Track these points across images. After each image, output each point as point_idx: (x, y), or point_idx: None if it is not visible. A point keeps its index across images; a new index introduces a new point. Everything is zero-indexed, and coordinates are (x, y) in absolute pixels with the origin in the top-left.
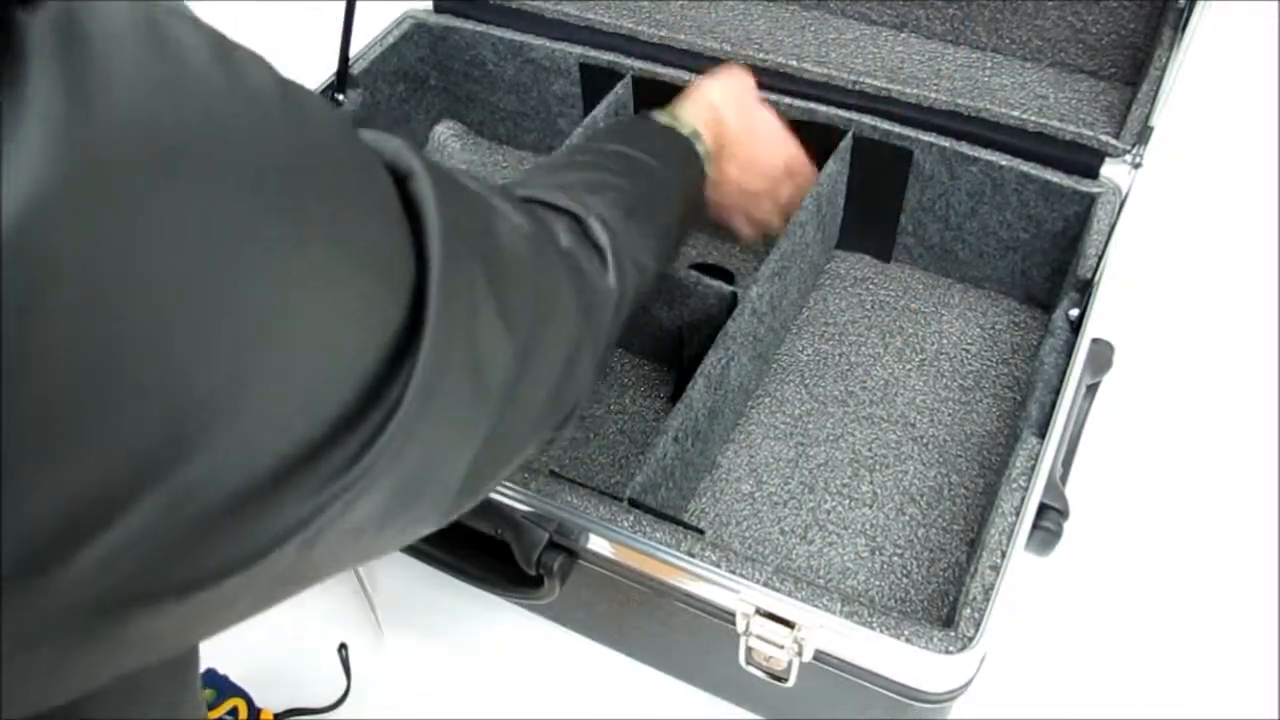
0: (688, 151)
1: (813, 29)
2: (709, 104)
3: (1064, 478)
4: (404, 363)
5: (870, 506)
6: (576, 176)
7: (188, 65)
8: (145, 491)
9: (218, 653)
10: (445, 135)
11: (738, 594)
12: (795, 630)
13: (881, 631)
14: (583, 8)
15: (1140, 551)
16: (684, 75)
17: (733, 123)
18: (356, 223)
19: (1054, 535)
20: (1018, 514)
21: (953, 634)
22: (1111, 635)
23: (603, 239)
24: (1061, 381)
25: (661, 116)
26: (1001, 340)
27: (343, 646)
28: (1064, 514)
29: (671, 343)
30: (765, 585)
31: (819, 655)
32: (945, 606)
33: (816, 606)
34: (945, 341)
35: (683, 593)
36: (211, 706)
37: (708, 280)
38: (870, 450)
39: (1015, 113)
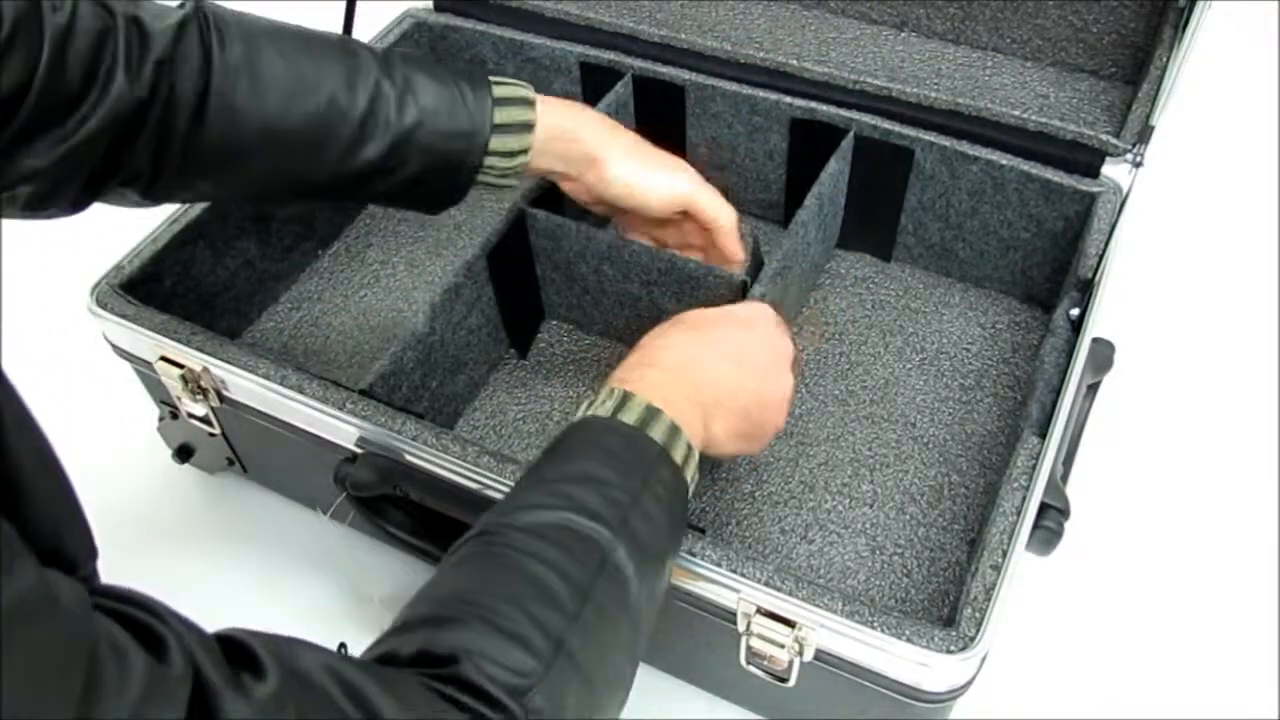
0: (678, 488)
1: (813, 28)
2: (706, 399)
3: (1065, 477)
4: None
5: (871, 506)
6: (493, 624)
7: None
8: None
9: None
10: None
11: (738, 593)
12: (796, 630)
13: (883, 631)
14: (583, 7)
15: (1141, 551)
16: (684, 74)
17: (729, 385)
18: None
19: (1055, 535)
20: (1019, 513)
21: (954, 633)
22: (1112, 635)
23: None
24: (1062, 381)
25: (637, 413)
26: (1002, 339)
27: (342, 646)
28: (1065, 513)
29: None
30: (766, 585)
31: (820, 655)
32: (946, 606)
33: (818, 606)
34: (946, 341)
35: (683, 592)
36: None
37: (718, 270)
38: (871, 450)
39: (1016, 112)
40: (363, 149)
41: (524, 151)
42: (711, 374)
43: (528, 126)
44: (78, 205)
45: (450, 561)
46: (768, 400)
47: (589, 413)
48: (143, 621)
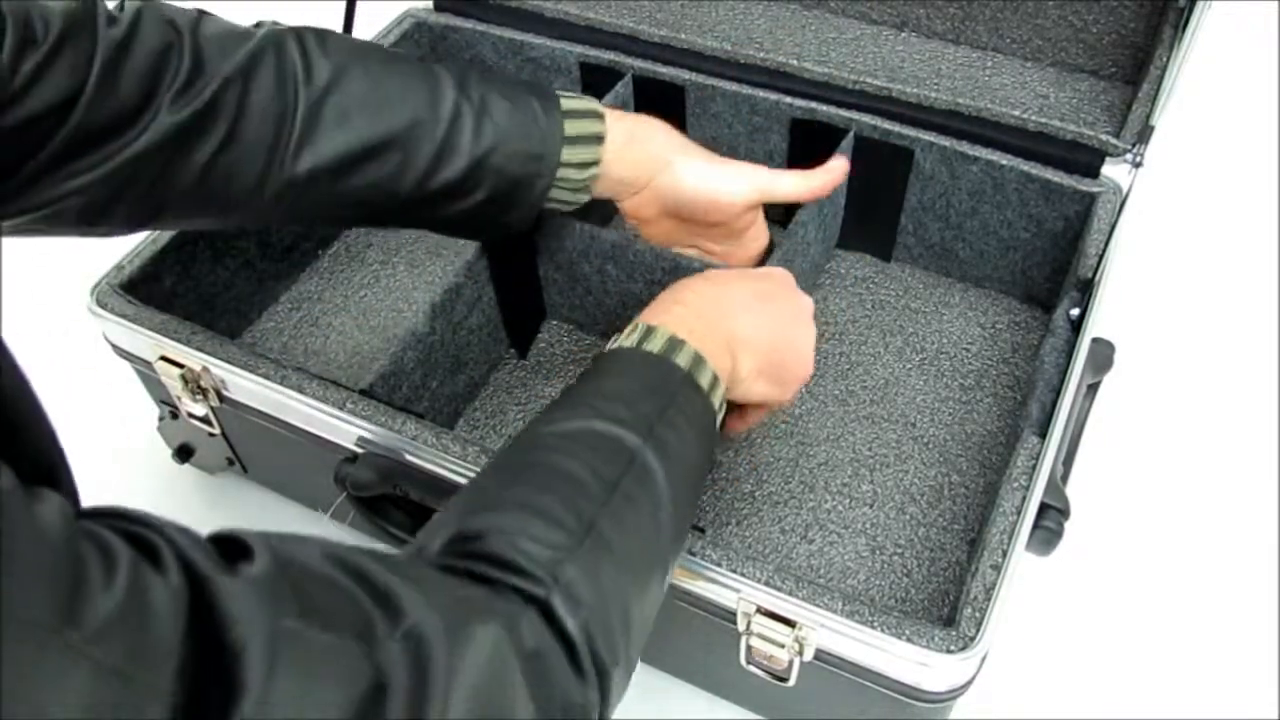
0: (704, 409)
1: (813, 28)
2: (735, 338)
3: (1065, 477)
4: None
5: (871, 506)
6: (528, 506)
7: None
8: None
9: None
10: None
11: (738, 593)
12: (796, 629)
13: (883, 631)
14: (583, 7)
15: (1141, 551)
16: (684, 74)
17: (766, 351)
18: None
19: (1055, 535)
20: (1019, 513)
21: (954, 633)
22: (1112, 635)
23: (572, 627)
24: (1062, 381)
25: (661, 342)
26: (1002, 339)
27: None
28: (1065, 513)
29: None
30: (766, 584)
31: (820, 654)
32: (946, 606)
33: (818, 606)
34: (946, 341)
35: (683, 592)
36: None
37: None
38: (871, 450)
39: (1016, 112)
40: (441, 171)
41: (595, 163)
42: (736, 312)
43: (598, 138)
44: (133, 225)
45: (480, 472)
46: (793, 343)
47: (613, 346)
48: (134, 532)
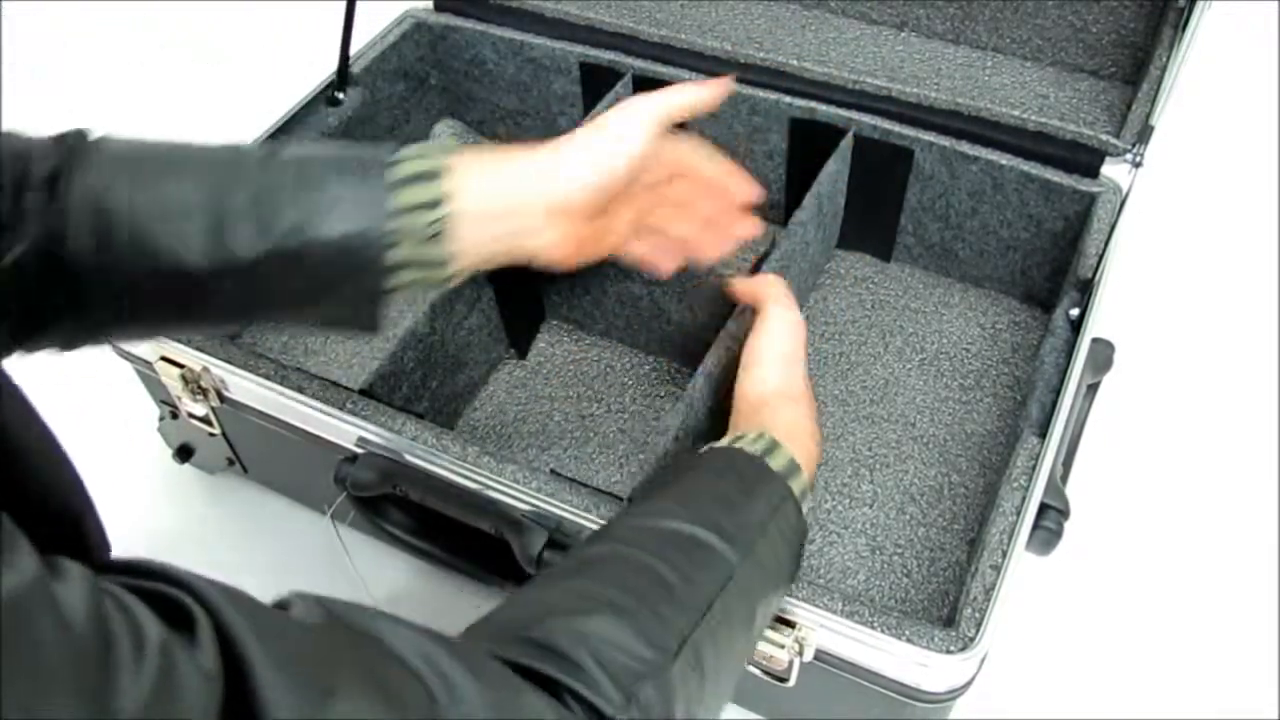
0: (800, 530)
1: (813, 28)
2: (807, 427)
3: (1064, 477)
4: None
5: (871, 506)
6: (618, 609)
7: None
8: None
9: None
10: (445, 134)
11: None
12: (796, 630)
13: (882, 631)
14: (583, 7)
15: (1141, 551)
16: (684, 75)
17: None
18: None
19: (1054, 535)
20: (1018, 513)
21: (954, 634)
22: (1112, 635)
23: None
24: (1062, 381)
25: (756, 450)
26: (1002, 340)
27: None
28: (1064, 514)
29: (679, 337)
30: None
31: (820, 655)
32: (946, 606)
33: (817, 606)
34: (945, 341)
35: None
36: None
37: (719, 270)
38: (870, 450)
39: (1016, 112)
40: (245, 248)
41: (438, 202)
42: (811, 426)
43: (434, 173)
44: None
45: (568, 563)
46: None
47: (735, 445)
48: (169, 596)
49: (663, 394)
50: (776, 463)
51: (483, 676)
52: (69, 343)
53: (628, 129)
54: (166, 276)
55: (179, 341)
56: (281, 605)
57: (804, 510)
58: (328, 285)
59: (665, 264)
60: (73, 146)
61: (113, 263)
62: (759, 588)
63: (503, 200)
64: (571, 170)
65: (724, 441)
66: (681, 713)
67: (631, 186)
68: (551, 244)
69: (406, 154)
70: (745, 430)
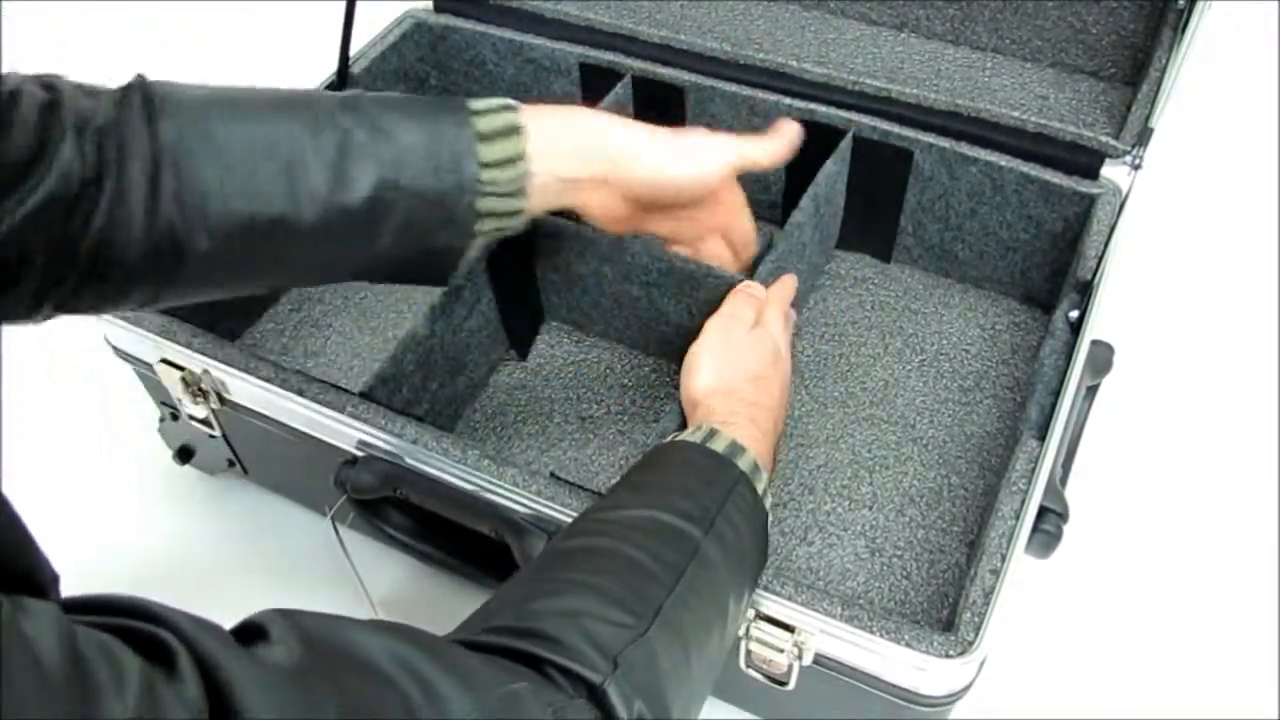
0: (759, 509)
1: (813, 29)
2: (760, 402)
3: (1064, 480)
4: None
5: (870, 508)
6: (592, 587)
7: None
8: None
9: None
10: None
11: None
12: (795, 634)
13: (881, 635)
14: (583, 7)
15: (1140, 554)
16: (684, 75)
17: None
18: None
19: (1054, 538)
20: (1018, 517)
21: (953, 637)
22: (1111, 637)
23: (624, 715)
24: (1061, 383)
25: (724, 444)
26: (1001, 341)
27: None
28: (1064, 516)
29: (679, 338)
30: (765, 589)
31: (819, 659)
32: (945, 609)
33: (816, 611)
34: (945, 342)
35: None
36: None
37: (717, 271)
38: (870, 452)
39: (1015, 113)
40: (341, 197)
41: (520, 158)
42: (774, 405)
43: (515, 129)
44: (33, 310)
45: (539, 559)
46: (782, 405)
47: (678, 439)
48: (144, 633)
49: (663, 395)
50: (718, 446)
51: (458, 671)
52: (103, 302)
53: (712, 158)
54: (253, 229)
55: (180, 344)
56: (256, 625)
57: (760, 490)
58: (420, 235)
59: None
60: (145, 96)
61: (190, 214)
62: (724, 566)
63: (577, 170)
64: (646, 173)
65: (691, 436)
66: (668, 672)
67: (683, 197)
68: (600, 206)
69: (486, 106)
70: (718, 421)
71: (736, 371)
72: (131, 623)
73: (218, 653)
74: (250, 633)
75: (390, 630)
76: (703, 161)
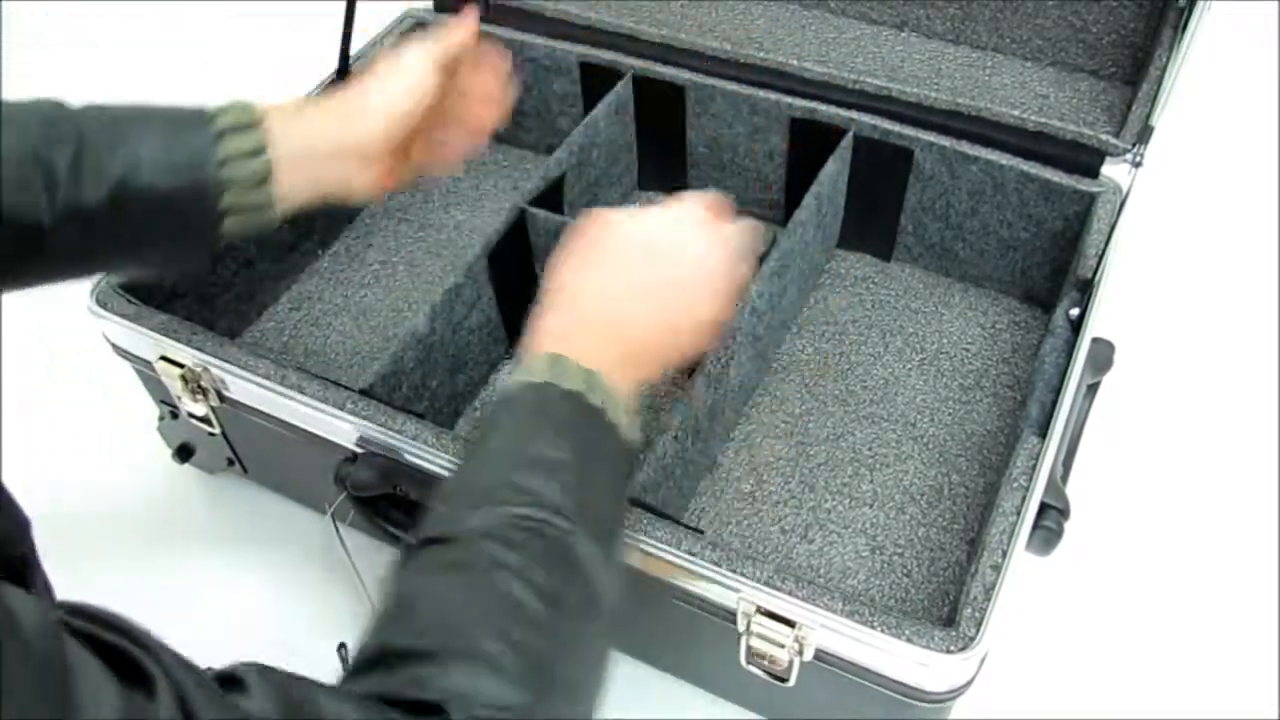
0: (621, 450)
1: (813, 28)
2: (612, 334)
3: (1064, 477)
4: None
5: (871, 506)
6: (482, 659)
7: None
8: None
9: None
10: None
11: (738, 593)
12: (796, 629)
13: (883, 631)
14: (583, 7)
15: (1141, 551)
16: (684, 75)
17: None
18: None
19: (1055, 535)
20: (1018, 513)
21: (954, 633)
22: (1112, 634)
23: None
24: (1062, 381)
25: (577, 380)
26: (1002, 339)
27: (342, 646)
28: (1065, 513)
29: None
30: (766, 584)
31: (820, 654)
32: (946, 606)
33: (818, 606)
34: (945, 341)
35: (683, 592)
36: None
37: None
38: (870, 449)
39: (1016, 112)
40: (78, 197)
41: (261, 150)
42: (628, 304)
43: (253, 124)
44: None
45: (413, 569)
46: (690, 290)
47: (526, 379)
48: (122, 649)
49: (662, 394)
50: (595, 397)
51: None
52: None
53: (413, 72)
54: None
55: (179, 341)
56: (233, 676)
57: (634, 430)
58: (163, 233)
59: (456, 167)
60: None
61: None
62: (599, 542)
63: (317, 144)
64: (373, 115)
65: (540, 375)
66: None
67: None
68: (364, 182)
69: (222, 107)
70: (562, 345)
71: (564, 297)
72: (114, 638)
73: (195, 695)
74: (226, 681)
75: (355, 701)
76: (406, 67)
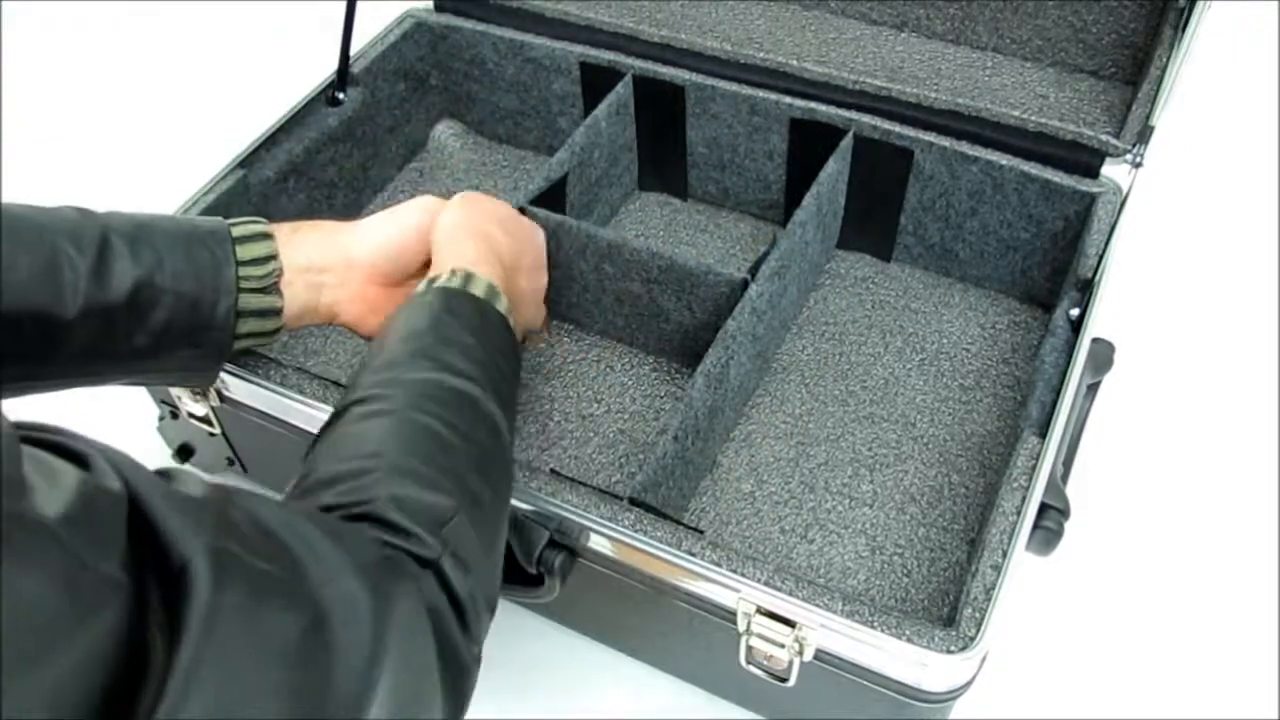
0: (506, 337)
1: (813, 28)
2: (485, 243)
3: (1065, 477)
4: None
5: (871, 506)
6: (408, 471)
7: None
8: None
9: None
10: (445, 135)
11: (738, 593)
12: (796, 629)
13: (883, 631)
14: (583, 7)
15: (1141, 551)
16: (684, 74)
17: (505, 241)
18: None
19: (1055, 535)
20: (1019, 513)
21: (954, 633)
22: (1112, 635)
23: (461, 589)
24: (1062, 381)
25: (483, 288)
26: (1002, 340)
27: None
28: (1065, 513)
29: (679, 337)
30: (766, 584)
31: (820, 655)
32: (946, 606)
33: (818, 605)
34: (945, 341)
35: (683, 592)
36: None
37: (717, 269)
38: (870, 450)
39: (1016, 112)
40: (102, 295)
41: (273, 257)
42: (495, 233)
43: (266, 235)
44: None
45: (339, 424)
46: (515, 231)
47: (444, 285)
48: (65, 445)
49: (663, 394)
50: (500, 305)
51: (347, 539)
52: None
53: (410, 215)
54: (16, 322)
55: None
56: (161, 472)
57: (513, 322)
58: (181, 335)
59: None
60: None
61: None
62: (501, 407)
63: (316, 257)
64: (364, 236)
65: (451, 282)
66: (476, 535)
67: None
68: (349, 298)
69: (236, 220)
70: (472, 263)
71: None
72: (51, 436)
73: (135, 472)
74: (163, 474)
75: (278, 502)
76: (404, 212)
